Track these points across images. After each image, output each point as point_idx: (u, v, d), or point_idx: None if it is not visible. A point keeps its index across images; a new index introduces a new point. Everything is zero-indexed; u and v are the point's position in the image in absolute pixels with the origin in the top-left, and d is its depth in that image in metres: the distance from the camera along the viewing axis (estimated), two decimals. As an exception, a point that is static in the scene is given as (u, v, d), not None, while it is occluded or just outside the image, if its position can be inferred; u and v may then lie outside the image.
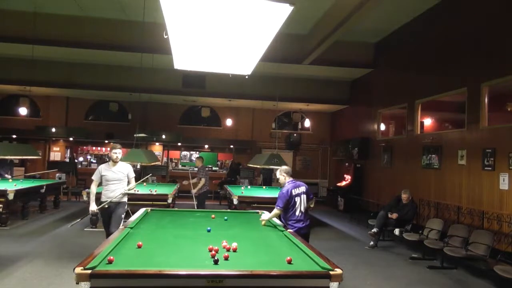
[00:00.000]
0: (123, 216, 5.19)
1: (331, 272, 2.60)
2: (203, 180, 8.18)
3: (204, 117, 14.36)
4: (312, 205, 7.79)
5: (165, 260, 2.81)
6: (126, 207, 5.32)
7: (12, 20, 8.85)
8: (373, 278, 5.30)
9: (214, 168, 14.76)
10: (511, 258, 5.26)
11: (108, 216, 5.14)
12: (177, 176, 13.00)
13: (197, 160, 8.65)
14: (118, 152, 5.11)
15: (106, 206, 5.05)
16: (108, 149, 14.27)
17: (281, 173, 4.72)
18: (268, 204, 7.68)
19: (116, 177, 5.11)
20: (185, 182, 8.63)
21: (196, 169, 8.83)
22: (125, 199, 5.32)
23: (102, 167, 5.17)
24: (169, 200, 7.23)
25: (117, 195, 5.08)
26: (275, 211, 4.47)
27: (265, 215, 4.75)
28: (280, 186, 4.89)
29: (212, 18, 3.05)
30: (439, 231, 6.58)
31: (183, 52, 4.12)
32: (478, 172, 6.49)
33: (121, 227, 4.04)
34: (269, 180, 12.78)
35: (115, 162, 5.14)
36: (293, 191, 4.48)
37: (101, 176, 5.10)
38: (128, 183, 5.29)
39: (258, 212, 5.31)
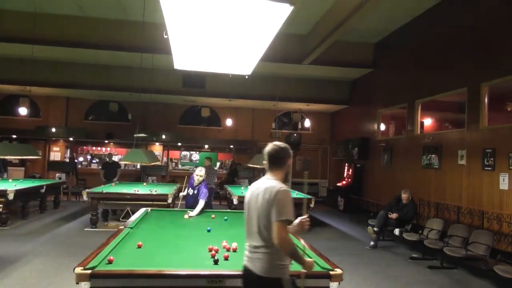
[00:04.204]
0: None
1: (331, 272, 2.60)
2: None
3: (204, 117, 14.37)
4: (312, 205, 7.90)
5: (165, 260, 2.81)
6: None
7: (12, 20, 8.84)
8: (373, 278, 5.30)
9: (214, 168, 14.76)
10: (511, 258, 5.26)
11: None
12: (177, 176, 13.00)
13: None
14: None
15: None
16: (108, 149, 14.23)
17: (203, 173, 5.70)
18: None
19: None
20: None
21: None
22: None
23: None
24: (169, 200, 7.24)
25: None
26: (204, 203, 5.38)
27: (194, 211, 5.19)
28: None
29: (212, 18, 3.05)
30: (439, 231, 6.59)
31: (183, 52, 4.12)
32: (478, 172, 6.49)
33: (121, 227, 3.90)
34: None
35: None
36: None
37: None
38: None
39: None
